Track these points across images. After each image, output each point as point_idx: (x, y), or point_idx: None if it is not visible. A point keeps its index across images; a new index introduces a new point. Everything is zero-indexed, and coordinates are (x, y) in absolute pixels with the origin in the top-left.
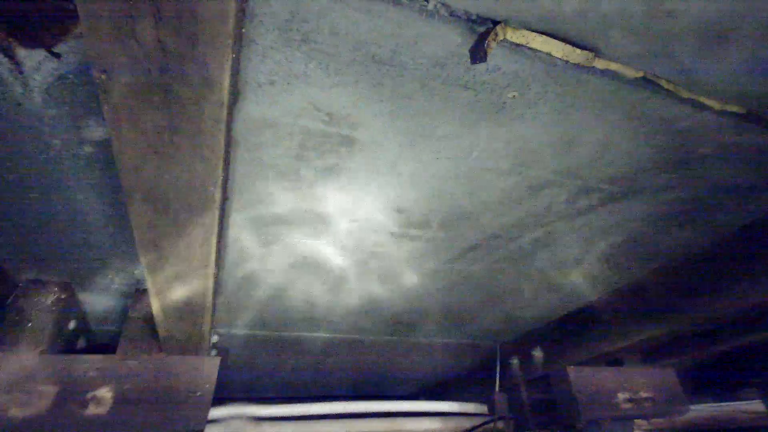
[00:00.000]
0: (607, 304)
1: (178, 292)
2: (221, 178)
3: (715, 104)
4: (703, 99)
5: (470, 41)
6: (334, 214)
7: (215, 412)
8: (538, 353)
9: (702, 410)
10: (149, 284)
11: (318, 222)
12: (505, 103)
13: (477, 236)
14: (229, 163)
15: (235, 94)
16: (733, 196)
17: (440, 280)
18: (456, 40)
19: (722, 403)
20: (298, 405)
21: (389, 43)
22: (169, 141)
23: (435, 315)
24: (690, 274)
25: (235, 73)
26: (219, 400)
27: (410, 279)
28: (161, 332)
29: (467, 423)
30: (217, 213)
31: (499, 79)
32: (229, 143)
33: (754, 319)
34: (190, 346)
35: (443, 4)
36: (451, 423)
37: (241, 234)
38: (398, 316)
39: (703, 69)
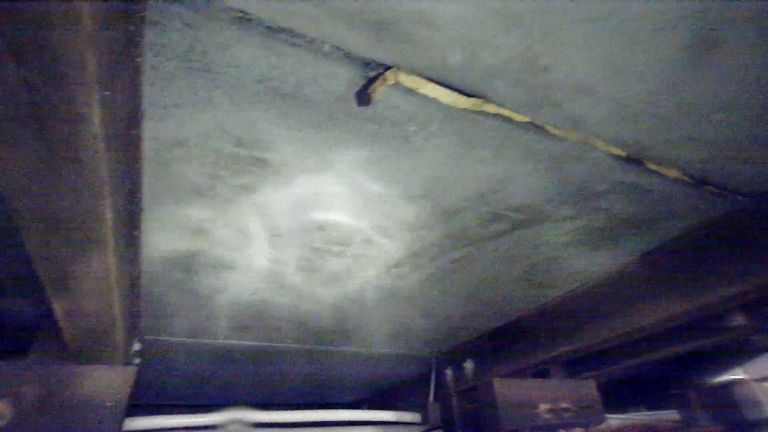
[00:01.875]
0: (532, 320)
1: (80, 305)
2: (110, 200)
3: (601, 146)
4: (591, 142)
5: (365, 80)
6: (256, 230)
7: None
8: (469, 365)
9: (625, 419)
10: (50, 297)
11: (240, 237)
12: (408, 136)
13: (400, 254)
14: (138, 181)
15: (139, 115)
16: (632, 226)
17: (370, 293)
18: (353, 80)
19: (645, 413)
20: (229, 412)
21: (291, 79)
22: (51, 167)
23: (370, 326)
24: (603, 295)
25: (129, 99)
26: (140, 407)
27: (340, 292)
28: (70, 342)
29: None
30: (110, 231)
31: (399, 116)
32: (139, 158)
33: (663, 336)
34: (102, 355)
35: (337, 48)
36: None
37: (159, 246)
38: (333, 326)
39: (584, 116)
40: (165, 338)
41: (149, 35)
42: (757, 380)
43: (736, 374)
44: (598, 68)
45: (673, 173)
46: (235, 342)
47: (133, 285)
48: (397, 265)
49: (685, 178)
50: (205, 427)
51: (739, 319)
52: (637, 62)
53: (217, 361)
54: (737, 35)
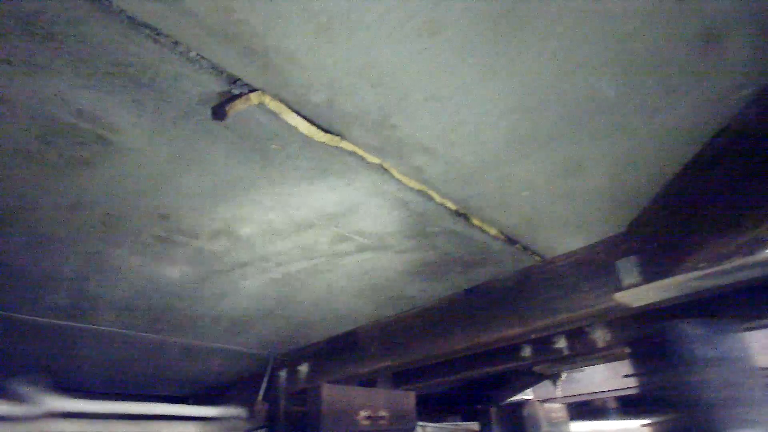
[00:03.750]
0: (366, 333)
1: None
2: None
3: (437, 198)
4: (429, 192)
5: (227, 96)
6: (87, 205)
7: None
8: (304, 368)
9: (435, 427)
10: None
11: (67, 209)
12: (268, 151)
13: (247, 256)
14: None
15: None
16: (459, 265)
17: (210, 287)
18: (217, 89)
19: (455, 423)
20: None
21: (149, 71)
22: None
23: (207, 320)
24: (429, 319)
25: None
26: None
27: (177, 282)
28: None
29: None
30: None
31: (261, 132)
32: None
33: (473, 359)
34: None
35: (204, 57)
36: (209, 428)
37: None
38: (164, 314)
39: (424, 170)
40: None
41: None
42: (540, 401)
43: (526, 395)
44: (439, 137)
45: (492, 230)
46: (40, 319)
47: None
48: (243, 265)
49: (501, 235)
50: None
51: (527, 352)
52: (468, 140)
53: (19, 338)
54: (553, 132)
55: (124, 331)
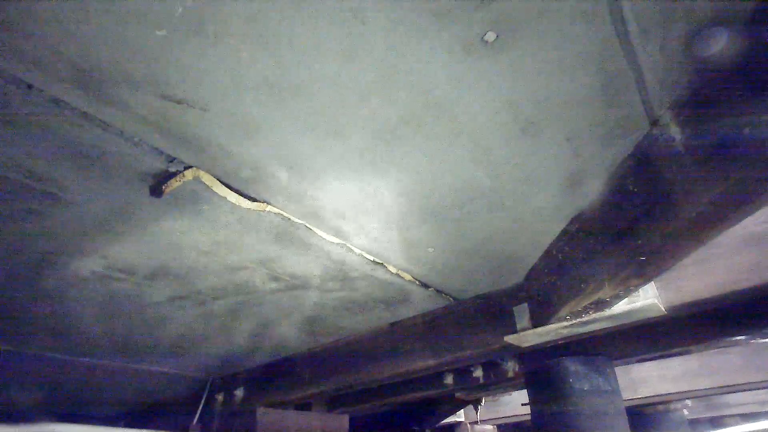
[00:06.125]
0: (303, 359)
1: None
2: None
3: (356, 250)
4: (348, 245)
5: (165, 174)
6: (30, 244)
7: None
8: (240, 392)
9: None
10: None
11: (11, 246)
12: (201, 210)
13: (184, 290)
14: None
15: None
16: (382, 303)
17: (148, 316)
18: (157, 166)
19: None
20: None
21: (97, 150)
22: None
23: (146, 344)
24: (359, 348)
25: None
26: None
27: (113, 310)
28: None
29: None
30: None
31: (195, 197)
32: None
33: (401, 385)
34: None
35: (146, 142)
36: None
37: None
38: (100, 340)
39: (342, 229)
40: None
41: None
42: (470, 423)
43: (459, 418)
44: (351, 207)
45: (407, 276)
46: None
47: None
48: (180, 297)
49: (415, 281)
50: None
51: (449, 379)
52: (376, 209)
53: None
54: (443, 208)
55: (56, 355)
